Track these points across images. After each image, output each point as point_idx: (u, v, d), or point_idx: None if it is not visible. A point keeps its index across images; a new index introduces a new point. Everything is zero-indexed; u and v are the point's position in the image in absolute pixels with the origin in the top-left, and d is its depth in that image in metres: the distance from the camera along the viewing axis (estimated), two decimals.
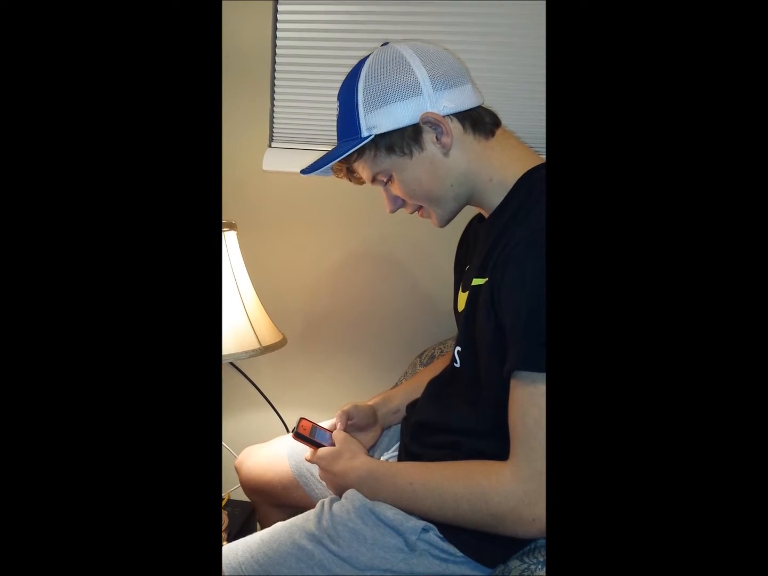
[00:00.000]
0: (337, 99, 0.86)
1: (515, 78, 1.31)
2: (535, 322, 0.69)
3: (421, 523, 0.77)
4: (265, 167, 1.43)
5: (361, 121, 0.81)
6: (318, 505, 0.84)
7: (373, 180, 0.86)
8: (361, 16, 1.31)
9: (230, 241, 1.15)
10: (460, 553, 0.77)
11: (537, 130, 1.28)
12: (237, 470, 1.14)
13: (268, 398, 1.44)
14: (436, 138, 0.80)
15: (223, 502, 1.37)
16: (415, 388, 1.03)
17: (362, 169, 0.85)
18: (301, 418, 0.94)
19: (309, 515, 0.83)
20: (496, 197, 0.83)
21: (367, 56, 0.84)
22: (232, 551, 0.82)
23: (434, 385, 0.96)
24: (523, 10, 1.24)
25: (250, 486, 1.12)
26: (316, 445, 0.90)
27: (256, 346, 1.12)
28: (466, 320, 0.82)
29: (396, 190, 0.86)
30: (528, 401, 0.70)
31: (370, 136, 0.80)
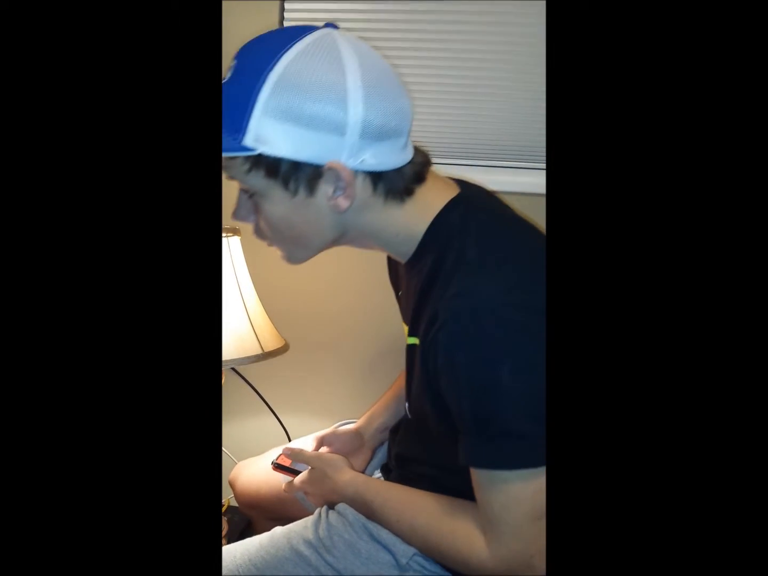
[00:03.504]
0: (235, 58, 0.64)
1: (517, 78, 1.27)
2: (480, 417, 0.64)
3: (414, 549, 0.75)
4: None
5: (250, 124, 0.60)
6: (316, 512, 0.83)
7: (231, 179, 0.67)
8: (370, 22, 1.29)
9: (234, 247, 1.15)
10: None
11: (538, 130, 1.26)
12: (231, 486, 1.11)
13: (270, 404, 1.43)
14: (333, 192, 0.64)
15: (223, 509, 1.36)
16: (396, 398, 0.99)
17: (224, 166, 0.65)
18: (284, 448, 0.92)
19: (307, 522, 0.82)
20: (405, 248, 0.72)
21: (303, 32, 0.63)
22: (230, 554, 0.81)
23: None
24: (525, 9, 1.22)
25: (245, 502, 1.09)
26: (295, 473, 0.88)
27: (259, 351, 1.12)
28: (408, 376, 0.77)
29: (257, 211, 0.68)
30: (488, 490, 0.66)
31: (253, 151, 0.61)
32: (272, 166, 0.62)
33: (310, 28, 0.64)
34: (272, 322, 1.22)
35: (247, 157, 0.62)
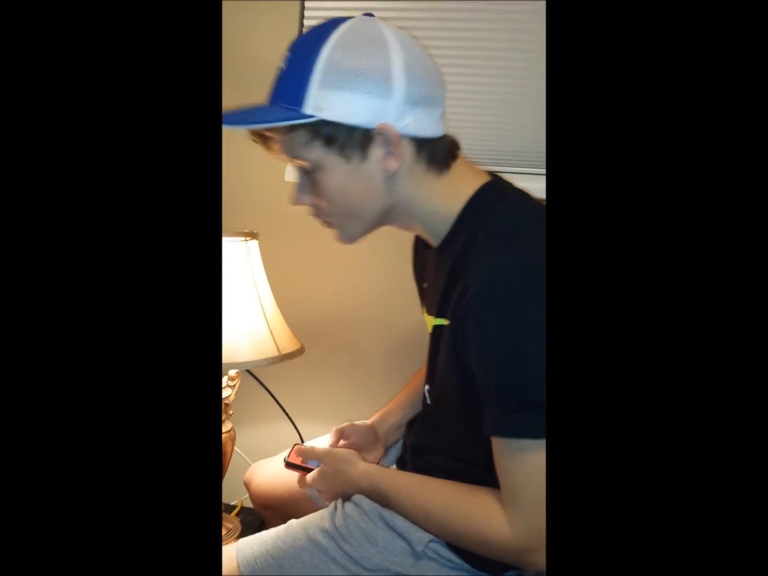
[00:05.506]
0: (288, 50, 0.71)
1: (517, 83, 1.29)
2: (507, 385, 0.66)
3: (429, 535, 0.77)
4: (287, 178, 1.45)
5: (309, 94, 0.67)
6: (331, 504, 0.84)
7: (290, 160, 0.72)
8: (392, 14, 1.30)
9: (252, 250, 1.18)
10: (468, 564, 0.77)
11: (538, 135, 1.27)
12: (246, 486, 1.13)
13: (284, 407, 1.45)
14: (384, 155, 0.70)
15: (236, 510, 1.38)
16: (411, 397, 1.01)
17: (284, 144, 0.71)
18: (295, 444, 0.94)
19: (323, 513, 0.84)
20: (440, 229, 0.76)
21: (346, 19, 0.70)
22: (248, 545, 0.82)
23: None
24: (530, 9, 1.23)
25: (260, 502, 1.10)
26: (307, 470, 0.89)
27: (275, 353, 1.14)
28: (431, 360, 0.79)
29: (315, 187, 0.73)
30: (512, 460, 0.68)
31: (314, 117, 0.68)
32: (330, 134, 0.68)
33: (351, 17, 0.72)
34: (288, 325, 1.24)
35: (308, 129, 0.68)
